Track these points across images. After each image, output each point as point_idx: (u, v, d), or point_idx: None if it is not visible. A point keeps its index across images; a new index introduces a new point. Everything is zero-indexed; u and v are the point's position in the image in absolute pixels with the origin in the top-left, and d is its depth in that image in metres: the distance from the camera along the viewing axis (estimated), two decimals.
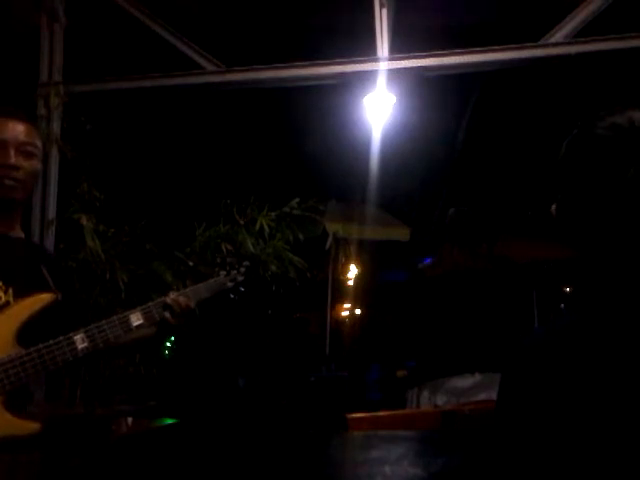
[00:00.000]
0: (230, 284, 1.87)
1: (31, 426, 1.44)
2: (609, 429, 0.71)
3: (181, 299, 1.70)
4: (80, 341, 1.51)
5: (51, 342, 1.48)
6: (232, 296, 1.88)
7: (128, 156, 4.14)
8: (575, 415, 0.73)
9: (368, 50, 3.63)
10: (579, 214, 0.85)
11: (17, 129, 1.59)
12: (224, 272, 1.87)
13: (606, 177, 0.81)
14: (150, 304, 1.67)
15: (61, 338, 1.50)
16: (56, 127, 3.65)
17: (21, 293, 1.51)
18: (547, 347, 0.80)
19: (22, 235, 1.68)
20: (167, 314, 1.67)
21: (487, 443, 0.80)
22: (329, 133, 5.64)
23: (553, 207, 0.91)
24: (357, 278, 9.07)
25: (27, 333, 1.48)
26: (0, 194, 1.56)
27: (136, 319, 1.61)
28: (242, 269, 1.89)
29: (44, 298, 1.52)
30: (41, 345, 1.47)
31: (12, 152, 1.55)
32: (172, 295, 1.71)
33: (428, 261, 3.00)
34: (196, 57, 3.74)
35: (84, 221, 3.44)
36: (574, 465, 0.72)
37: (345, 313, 11.03)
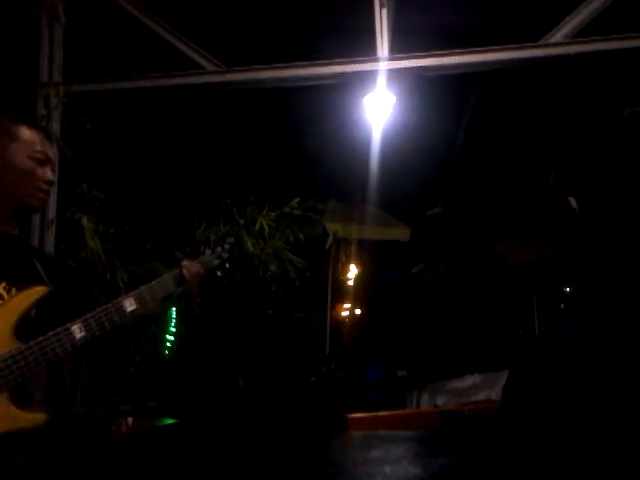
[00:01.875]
0: (216, 262, 1.92)
1: (38, 418, 1.47)
2: (616, 432, 0.71)
3: (194, 265, 1.81)
4: (78, 331, 1.54)
5: (50, 334, 1.50)
6: (219, 274, 1.93)
7: (128, 156, 4.14)
8: (583, 417, 0.73)
9: (368, 50, 3.62)
10: (601, 206, 0.82)
11: (48, 143, 1.69)
12: (209, 251, 1.93)
13: (629, 165, 0.78)
14: (142, 287, 1.72)
15: (59, 329, 1.52)
16: (56, 127, 3.65)
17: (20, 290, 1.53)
18: (556, 350, 0.79)
19: (17, 232, 1.71)
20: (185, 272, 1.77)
21: (493, 443, 0.79)
22: (329, 133, 5.64)
23: (573, 200, 0.87)
24: (357, 278, 9.07)
25: (24, 327, 1.50)
26: (35, 206, 1.68)
27: (129, 304, 1.66)
28: (226, 246, 1.94)
29: (38, 291, 1.54)
30: (41, 338, 1.49)
31: (51, 168, 1.67)
32: (185, 262, 1.81)
33: (421, 265, 2.99)
34: (196, 57, 3.74)
35: (84, 221, 3.44)
36: (583, 468, 0.72)
37: (345, 313, 11.03)
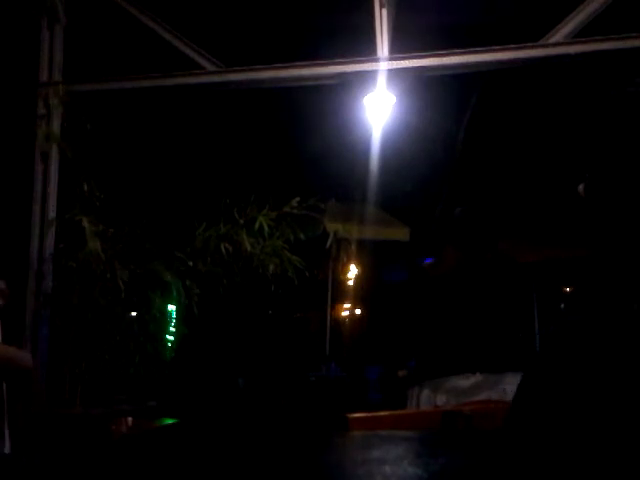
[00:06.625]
0: None
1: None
2: (626, 431, 0.71)
3: None
4: None
5: None
6: None
7: (128, 156, 4.14)
8: (593, 417, 0.72)
9: (368, 50, 3.63)
10: (609, 191, 0.80)
11: None
12: None
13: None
14: None
15: None
16: (56, 127, 3.65)
17: None
18: (569, 347, 0.78)
19: None
20: None
21: (499, 442, 0.79)
22: (329, 133, 5.65)
23: (581, 187, 0.86)
24: (357, 278, 9.07)
25: None
26: None
27: None
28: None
29: None
30: None
31: None
32: None
33: (429, 261, 2.98)
34: (196, 57, 3.74)
35: (85, 223, 3.43)
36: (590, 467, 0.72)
37: (345, 313, 11.03)
